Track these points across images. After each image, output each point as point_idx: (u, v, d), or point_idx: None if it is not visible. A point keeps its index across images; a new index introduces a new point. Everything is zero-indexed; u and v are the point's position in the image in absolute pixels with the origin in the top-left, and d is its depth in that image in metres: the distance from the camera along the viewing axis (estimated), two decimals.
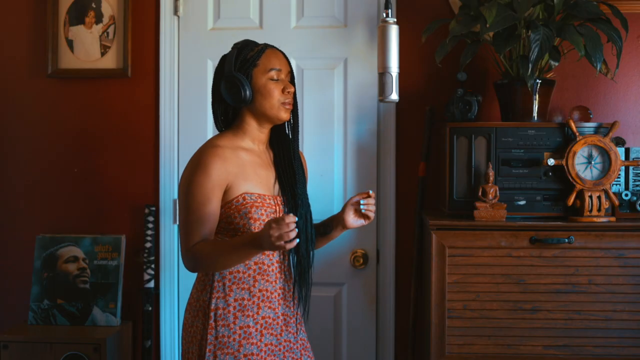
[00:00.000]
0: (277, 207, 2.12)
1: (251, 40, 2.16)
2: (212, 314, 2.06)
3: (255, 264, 2.09)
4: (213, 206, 2.04)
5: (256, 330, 2.08)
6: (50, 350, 2.72)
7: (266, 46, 2.14)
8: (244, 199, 2.06)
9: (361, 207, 2.14)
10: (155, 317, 2.99)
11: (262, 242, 1.89)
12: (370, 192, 2.13)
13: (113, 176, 3.02)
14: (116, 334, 2.80)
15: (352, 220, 2.17)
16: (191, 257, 2.03)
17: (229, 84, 2.08)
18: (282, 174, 2.17)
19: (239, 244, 1.98)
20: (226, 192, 2.06)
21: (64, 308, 2.89)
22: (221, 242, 2.05)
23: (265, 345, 2.09)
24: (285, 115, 2.13)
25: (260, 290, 2.09)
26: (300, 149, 2.26)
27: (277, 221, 1.84)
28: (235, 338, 2.05)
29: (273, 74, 2.10)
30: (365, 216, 2.16)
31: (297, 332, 2.17)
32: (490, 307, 2.35)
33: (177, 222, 2.99)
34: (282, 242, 1.84)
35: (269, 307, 2.10)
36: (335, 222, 2.20)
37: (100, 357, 2.70)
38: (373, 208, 2.15)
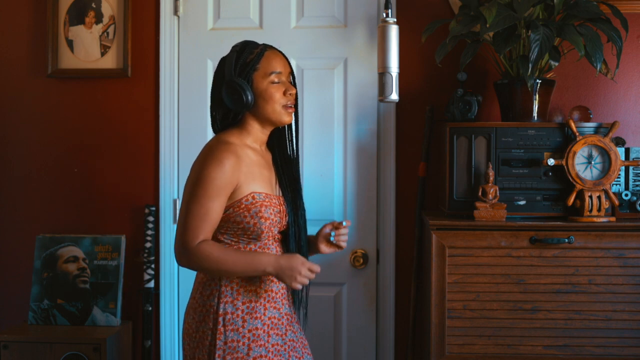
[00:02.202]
0: (281, 207, 2.12)
1: (250, 41, 2.15)
2: (220, 319, 2.05)
3: None
4: (220, 204, 2.02)
5: (264, 332, 2.08)
6: (50, 350, 2.72)
7: (265, 47, 2.13)
8: (253, 198, 2.05)
9: (331, 239, 2.19)
10: (155, 317, 2.99)
11: (281, 268, 1.99)
12: (344, 222, 2.17)
13: (113, 176, 3.02)
14: (116, 334, 2.80)
15: (324, 248, 2.21)
16: (193, 255, 2.01)
17: (230, 90, 2.06)
18: (282, 174, 2.17)
19: (254, 259, 2.01)
20: (235, 190, 2.04)
21: (64, 308, 2.89)
22: (232, 250, 2.04)
23: (272, 345, 2.09)
24: (288, 118, 2.12)
25: (266, 291, 2.09)
26: (300, 149, 2.26)
27: (311, 266, 2.01)
28: (245, 342, 2.05)
29: (274, 77, 2.09)
30: (337, 245, 2.19)
31: (297, 331, 2.18)
32: (490, 307, 2.35)
33: (178, 216, 2.97)
34: (299, 282, 2.00)
35: (274, 308, 2.10)
36: (311, 245, 2.24)
37: (100, 357, 2.69)
38: (345, 238, 2.19)
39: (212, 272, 2.04)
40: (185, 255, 2.02)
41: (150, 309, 2.94)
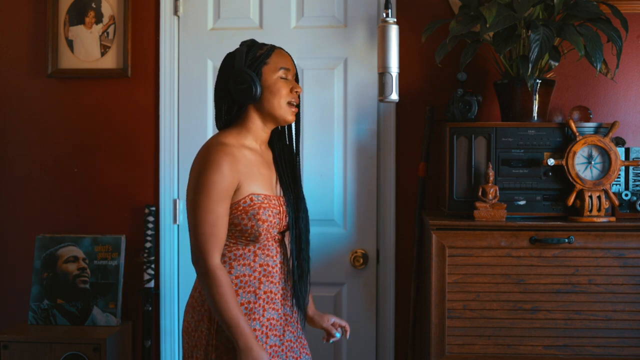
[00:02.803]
0: (281, 208, 2.12)
1: (257, 41, 2.17)
2: None
3: (260, 265, 2.08)
4: (226, 207, 2.02)
5: (262, 333, 2.06)
6: (50, 350, 2.72)
7: (274, 47, 2.15)
8: (251, 200, 2.05)
9: (331, 340, 2.32)
10: (155, 317, 2.99)
11: (248, 353, 1.97)
12: (348, 334, 2.33)
13: (113, 176, 3.02)
14: (116, 334, 2.80)
15: (315, 327, 2.33)
16: (206, 272, 1.99)
17: (239, 80, 2.07)
18: (283, 174, 2.17)
19: (241, 328, 1.98)
20: (236, 191, 2.04)
21: (64, 308, 2.89)
22: (236, 301, 2.00)
23: (270, 347, 2.08)
24: (291, 117, 2.13)
25: (265, 292, 2.08)
26: (300, 149, 2.26)
27: None
28: None
29: (282, 72, 2.11)
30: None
31: (296, 331, 2.18)
32: (490, 307, 2.35)
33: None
34: None
35: (273, 309, 2.09)
36: (309, 318, 2.32)
37: (100, 357, 2.70)
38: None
39: (208, 296, 2.01)
40: (205, 274, 2.00)
41: (150, 308, 2.94)
